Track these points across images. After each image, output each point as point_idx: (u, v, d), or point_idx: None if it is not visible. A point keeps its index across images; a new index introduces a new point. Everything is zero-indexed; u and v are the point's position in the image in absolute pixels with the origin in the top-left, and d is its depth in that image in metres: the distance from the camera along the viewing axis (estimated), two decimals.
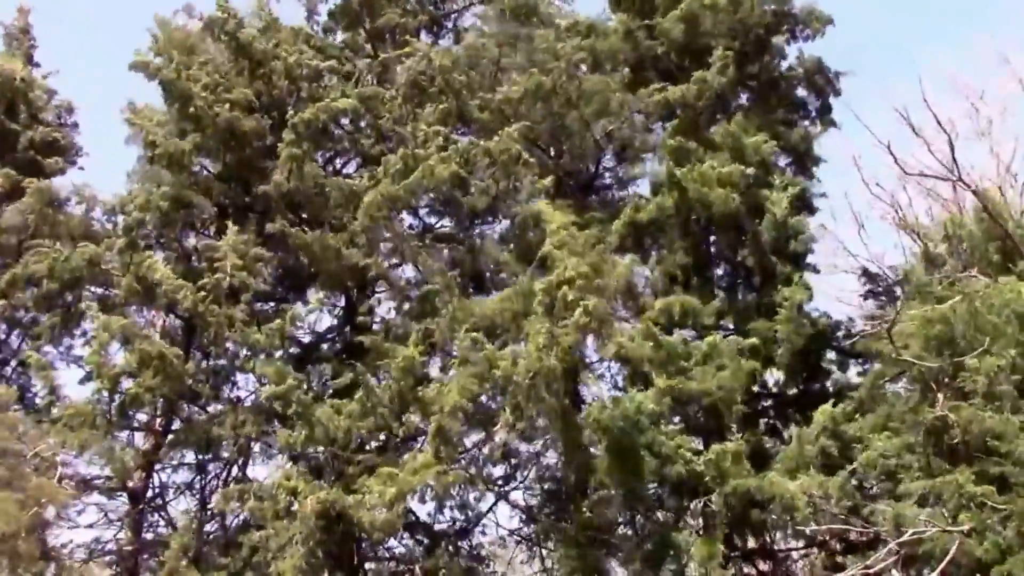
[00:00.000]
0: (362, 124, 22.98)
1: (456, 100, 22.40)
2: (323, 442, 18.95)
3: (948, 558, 16.59)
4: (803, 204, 23.61)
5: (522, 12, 24.73)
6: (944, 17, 46.63)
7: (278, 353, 20.23)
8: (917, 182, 28.01)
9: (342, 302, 23.18)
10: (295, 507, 18.02)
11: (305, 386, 19.97)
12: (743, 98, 25.13)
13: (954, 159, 23.59)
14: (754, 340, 20.69)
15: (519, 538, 21.73)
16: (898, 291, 23.96)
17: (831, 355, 23.00)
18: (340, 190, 21.13)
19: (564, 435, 19.48)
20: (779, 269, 21.80)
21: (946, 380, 19.00)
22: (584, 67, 23.46)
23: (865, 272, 26.31)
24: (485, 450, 20.12)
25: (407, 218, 23.50)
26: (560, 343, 17.92)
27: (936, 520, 17.19)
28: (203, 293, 19.56)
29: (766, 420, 21.96)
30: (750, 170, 21.67)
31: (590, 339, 20.13)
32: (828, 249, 29.09)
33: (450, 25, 26.25)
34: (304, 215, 22.19)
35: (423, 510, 20.78)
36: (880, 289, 25.53)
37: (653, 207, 22.00)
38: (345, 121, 22.98)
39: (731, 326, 22.06)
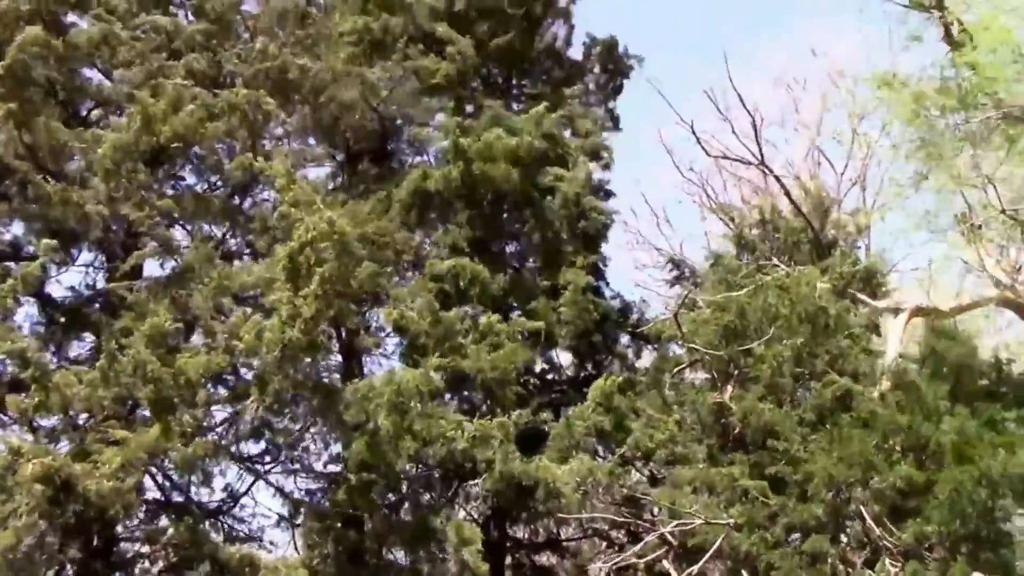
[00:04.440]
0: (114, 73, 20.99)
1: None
2: (60, 410, 17.26)
3: (712, 549, 16.06)
4: (598, 187, 23.17)
5: None
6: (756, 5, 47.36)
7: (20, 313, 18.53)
8: (729, 168, 28.00)
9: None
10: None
11: (48, 350, 18.59)
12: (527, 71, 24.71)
13: (759, 143, 23.48)
14: (539, 323, 19.96)
15: (279, 518, 20.20)
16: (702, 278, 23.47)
17: (624, 339, 22.34)
18: (82, 140, 19.25)
19: (327, 412, 18.14)
20: (568, 250, 21.17)
21: (735, 370, 18.60)
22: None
23: (671, 259, 25.98)
24: (238, 426, 18.46)
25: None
26: (302, 314, 16.49)
27: (711, 511, 16.68)
28: None
29: (549, 402, 20.89)
30: (538, 142, 20.86)
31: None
32: (631, 240, 29.07)
33: None
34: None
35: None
36: (687, 275, 25.08)
37: (439, 176, 20.96)
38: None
39: (516, 305, 21.25)
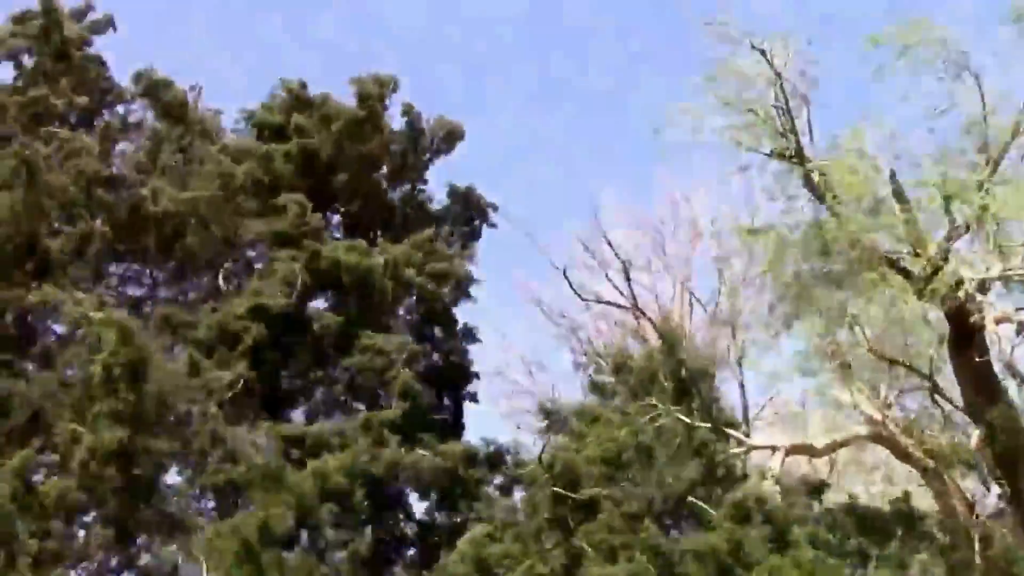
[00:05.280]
0: None
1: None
2: None
3: None
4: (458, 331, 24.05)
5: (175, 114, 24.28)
6: (623, 157, 49.33)
7: None
8: (604, 314, 28.35)
9: None
10: None
11: None
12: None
13: (630, 287, 23.92)
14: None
15: None
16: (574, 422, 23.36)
17: (497, 481, 22.21)
18: None
19: None
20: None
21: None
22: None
23: (541, 408, 25.92)
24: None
25: None
26: None
27: None
28: None
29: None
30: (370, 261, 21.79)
31: None
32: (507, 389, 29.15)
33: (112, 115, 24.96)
34: None
35: None
36: (551, 418, 25.05)
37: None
38: None
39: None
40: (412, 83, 25.74)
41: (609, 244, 24.68)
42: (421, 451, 20.34)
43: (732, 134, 17.25)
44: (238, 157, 23.75)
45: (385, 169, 25.67)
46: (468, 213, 26.32)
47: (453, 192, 26.46)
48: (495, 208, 26.43)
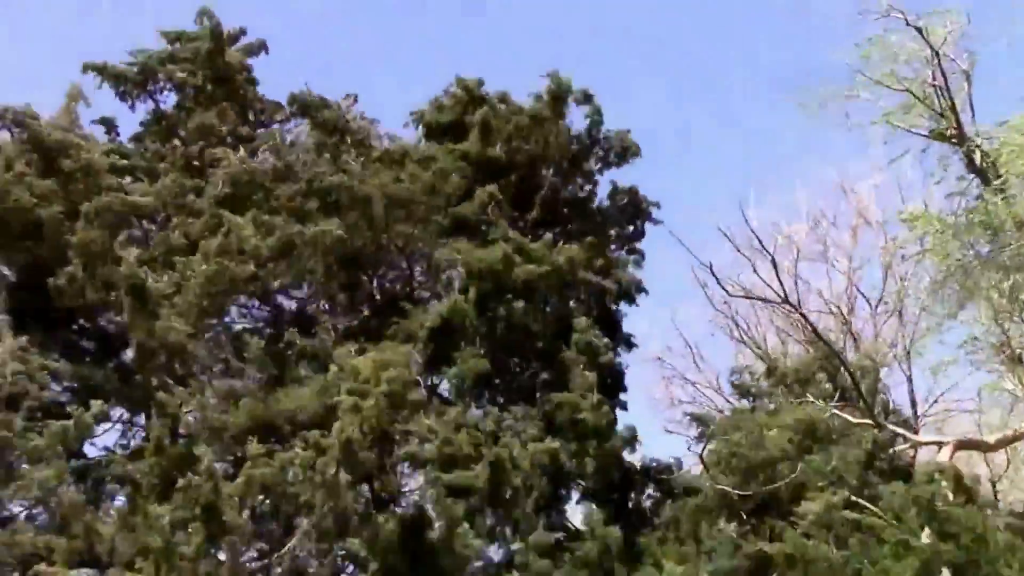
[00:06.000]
0: (169, 226, 22.15)
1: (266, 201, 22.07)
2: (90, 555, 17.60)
3: None
4: (621, 337, 23.93)
5: (333, 130, 24.71)
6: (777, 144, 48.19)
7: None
8: (760, 304, 27.76)
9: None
10: None
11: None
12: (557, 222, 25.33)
13: (780, 280, 23.27)
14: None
15: None
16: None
17: (650, 490, 22.12)
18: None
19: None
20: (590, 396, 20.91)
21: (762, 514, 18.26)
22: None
23: (694, 416, 25.65)
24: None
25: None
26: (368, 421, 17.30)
27: None
28: None
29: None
30: (544, 268, 21.32)
31: None
32: (667, 374, 28.88)
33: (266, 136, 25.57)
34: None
35: None
36: (706, 424, 24.78)
37: (447, 311, 21.45)
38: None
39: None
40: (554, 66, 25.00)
41: (759, 241, 23.97)
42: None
43: (888, 116, 16.62)
44: (400, 160, 24.03)
45: (556, 171, 25.42)
46: (632, 212, 26.01)
47: (617, 191, 26.21)
48: (658, 206, 26.11)
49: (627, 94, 52.99)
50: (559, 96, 24.92)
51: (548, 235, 22.90)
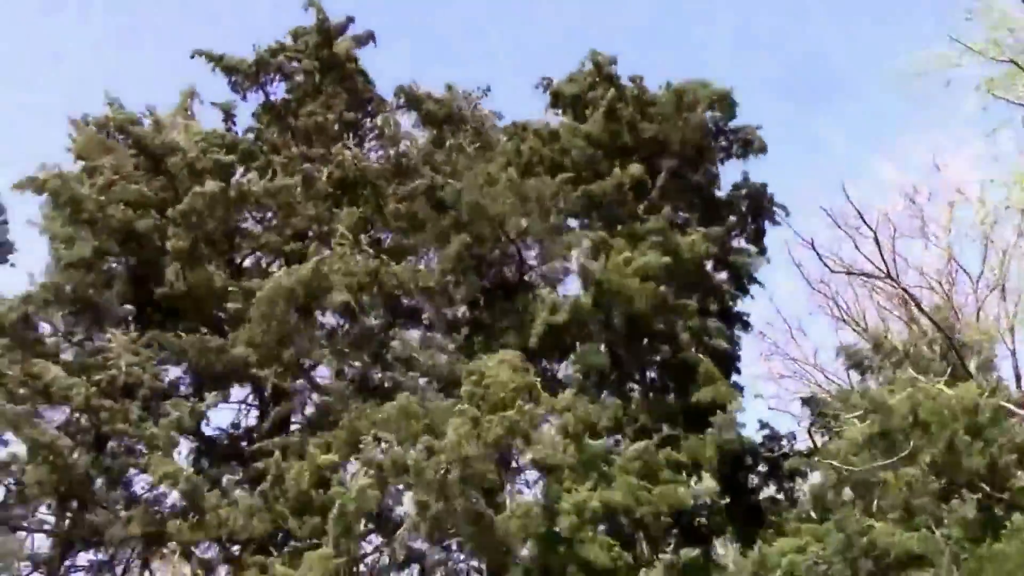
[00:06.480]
0: (274, 222, 22.86)
1: (375, 198, 22.53)
2: (219, 539, 18.39)
3: None
4: (736, 318, 23.77)
5: (445, 117, 25.23)
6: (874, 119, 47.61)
7: (180, 448, 19.78)
8: (861, 281, 27.71)
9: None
10: None
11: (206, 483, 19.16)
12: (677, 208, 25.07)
13: (883, 257, 23.34)
14: (681, 456, 19.84)
15: None
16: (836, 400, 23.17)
17: (762, 468, 22.21)
18: (239, 293, 20.72)
19: (480, 539, 18.25)
20: (705, 372, 21.18)
21: (875, 490, 18.31)
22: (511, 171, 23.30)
23: (806, 400, 25.71)
24: (387, 554, 18.98)
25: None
26: (483, 436, 17.33)
27: None
28: (94, 389, 18.85)
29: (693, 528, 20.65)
30: (666, 258, 21.21)
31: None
32: (766, 350, 28.92)
33: (373, 127, 26.23)
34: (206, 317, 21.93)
35: None
36: (821, 396, 24.83)
37: (569, 307, 21.36)
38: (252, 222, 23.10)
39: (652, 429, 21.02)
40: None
41: (861, 216, 24.00)
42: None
43: (990, 85, 16.56)
44: (522, 136, 24.40)
45: (680, 157, 25.09)
46: (755, 207, 25.67)
47: (743, 184, 26.01)
48: (786, 211, 25.82)
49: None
50: (693, 88, 24.92)
51: (667, 222, 22.86)
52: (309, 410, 21.26)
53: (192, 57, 24.68)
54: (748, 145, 25.61)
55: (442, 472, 17.22)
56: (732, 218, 25.55)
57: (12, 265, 25.64)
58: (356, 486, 17.58)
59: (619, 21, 56.46)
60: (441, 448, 17.38)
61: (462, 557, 20.33)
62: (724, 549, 20.60)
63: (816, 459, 19.76)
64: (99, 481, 19.50)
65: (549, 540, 18.06)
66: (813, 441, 18.74)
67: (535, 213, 22.80)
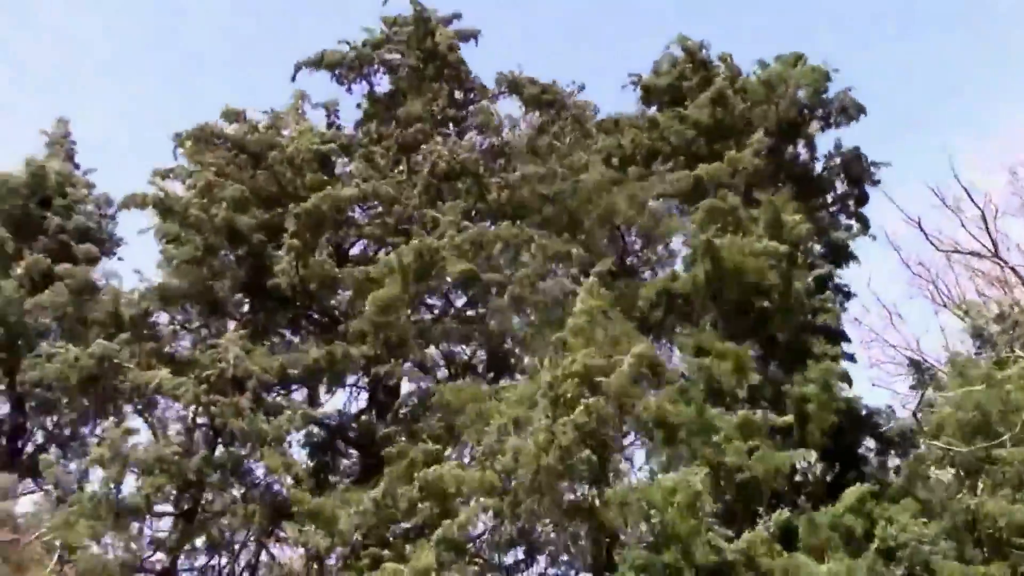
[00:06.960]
0: (380, 211, 23.72)
1: (478, 187, 23.14)
2: (335, 534, 18.67)
3: None
4: (837, 290, 23.41)
5: (544, 105, 25.53)
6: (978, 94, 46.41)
7: (294, 440, 20.63)
8: (962, 262, 27.37)
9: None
10: None
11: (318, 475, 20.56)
12: (776, 185, 24.53)
13: (989, 235, 23.03)
14: (787, 418, 19.67)
15: None
16: (942, 375, 22.99)
17: (868, 442, 22.06)
18: (351, 278, 21.62)
19: (580, 526, 18.74)
20: (812, 347, 21.02)
21: (984, 467, 18.13)
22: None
23: (911, 361, 25.53)
24: (496, 536, 19.44)
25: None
26: (560, 442, 17.29)
27: None
28: (204, 385, 19.81)
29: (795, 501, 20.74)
30: (784, 247, 21.15)
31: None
32: (865, 337, 28.71)
33: (476, 113, 26.56)
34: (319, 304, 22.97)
35: None
36: (923, 373, 24.60)
37: (687, 278, 21.57)
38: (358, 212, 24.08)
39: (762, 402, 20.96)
40: None
41: (967, 192, 23.70)
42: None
43: None
44: (619, 130, 24.58)
45: (775, 133, 24.59)
46: (854, 174, 25.09)
47: (836, 151, 25.51)
48: (889, 165, 25.27)
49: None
50: (784, 67, 24.78)
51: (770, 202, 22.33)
52: (419, 395, 21.87)
53: (296, 71, 25.49)
54: (844, 112, 25.05)
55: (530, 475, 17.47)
56: (830, 195, 25.37)
57: (120, 259, 26.69)
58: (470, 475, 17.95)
59: None
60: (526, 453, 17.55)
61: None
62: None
63: (923, 439, 19.64)
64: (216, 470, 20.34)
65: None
66: (918, 422, 18.59)
67: (637, 200, 22.91)
